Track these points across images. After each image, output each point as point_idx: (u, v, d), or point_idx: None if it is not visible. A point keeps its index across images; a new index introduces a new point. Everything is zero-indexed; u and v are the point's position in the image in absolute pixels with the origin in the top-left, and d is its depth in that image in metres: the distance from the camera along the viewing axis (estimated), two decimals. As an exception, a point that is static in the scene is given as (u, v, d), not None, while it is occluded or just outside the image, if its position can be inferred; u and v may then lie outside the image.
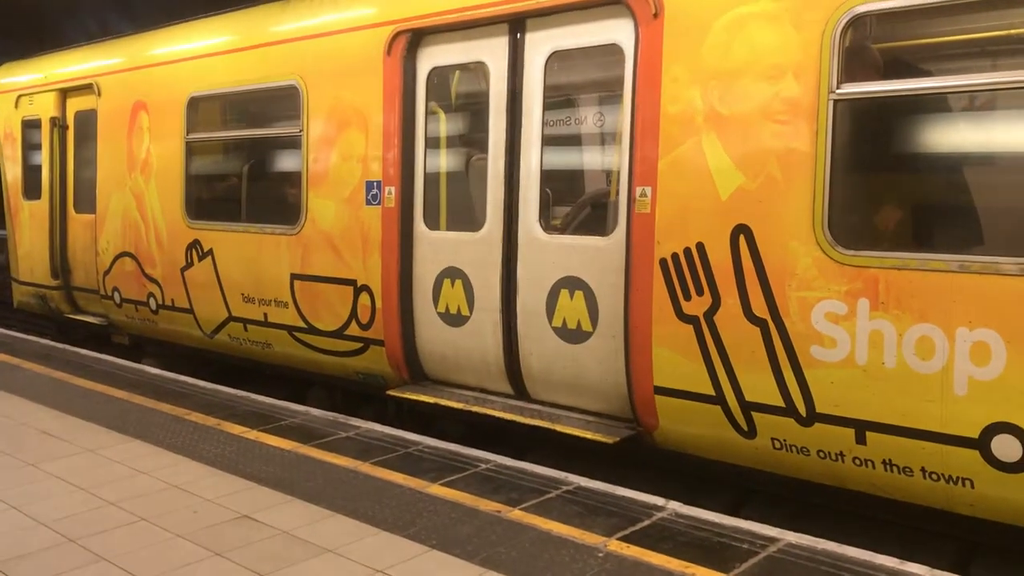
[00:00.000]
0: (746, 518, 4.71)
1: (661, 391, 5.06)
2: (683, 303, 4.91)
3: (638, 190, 5.07)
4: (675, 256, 4.93)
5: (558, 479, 5.14)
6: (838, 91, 4.38)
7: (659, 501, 4.78)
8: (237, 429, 6.16)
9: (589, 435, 5.28)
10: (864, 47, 4.63)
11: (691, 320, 4.89)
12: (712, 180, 4.79)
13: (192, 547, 4.22)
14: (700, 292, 4.85)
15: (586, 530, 4.39)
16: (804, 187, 4.46)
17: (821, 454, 4.54)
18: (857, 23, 4.40)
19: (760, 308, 4.63)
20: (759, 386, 4.67)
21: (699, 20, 4.85)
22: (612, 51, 5.41)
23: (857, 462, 4.42)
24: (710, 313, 4.82)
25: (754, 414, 4.72)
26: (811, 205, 4.43)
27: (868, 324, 4.27)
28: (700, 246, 4.84)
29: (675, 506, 4.72)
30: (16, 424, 6.29)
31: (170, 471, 5.30)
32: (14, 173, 11.12)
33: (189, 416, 6.50)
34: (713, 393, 4.84)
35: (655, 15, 5.00)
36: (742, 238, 4.69)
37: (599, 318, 5.44)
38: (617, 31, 5.34)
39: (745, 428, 4.78)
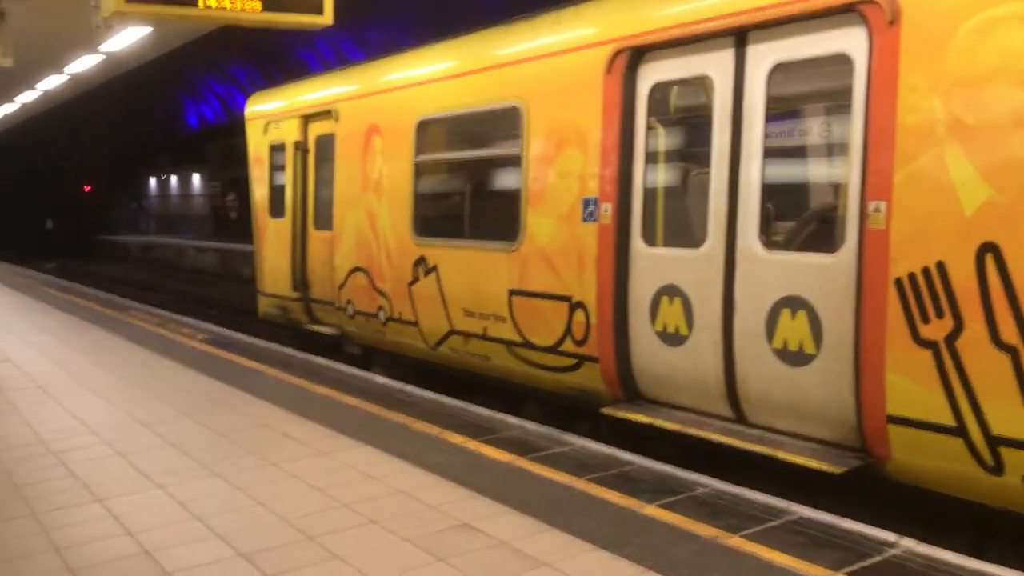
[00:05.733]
0: (992, 562, 4.32)
1: (894, 420, 4.75)
2: (921, 326, 4.59)
3: (871, 205, 4.81)
4: (912, 276, 4.62)
5: (780, 508, 4.94)
6: (1106, 95, 3.97)
7: (891, 537, 4.48)
8: (458, 439, 6.38)
9: (814, 464, 5.04)
10: None
11: (930, 345, 4.56)
12: (955, 194, 4.46)
13: (418, 552, 4.41)
14: (940, 315, 4.52)
15: (811, 562, 4.19)
16: (1064, 202, 4.06)
17: (1083, 497, 4.10)
18: None
19: (1010, 334, 4.25)
20: (1008, 419, 4.28)
21: (942, 25, 4.54)
22: (840, 60, 5.18)
23: None
24: (951, 338, 4.48)
25: (1001, 449, 4.34)
26: (1072, 221, 4.03)
27: None
28: (940, 265, 4.52)
29: (909, 543, 4.41)
30: (260, 426, 6.83)
31: (397, 477, 5.56)
32: (261, 193, 12.14)
33: (414, 424, 6.81)
34: (954, 424, 4.49)
35: (891, 22, 4.74)
36: (989, 257, 4.33)
37: (823, 340, 5.20)
38: (846, 40, 5.11)
39: (991, 464, 4.39)
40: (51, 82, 15.84)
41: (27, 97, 18.10)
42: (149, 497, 5.27)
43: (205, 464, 5.86)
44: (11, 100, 18.95)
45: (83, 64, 13.76)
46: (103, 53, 12.75)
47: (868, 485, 5.16)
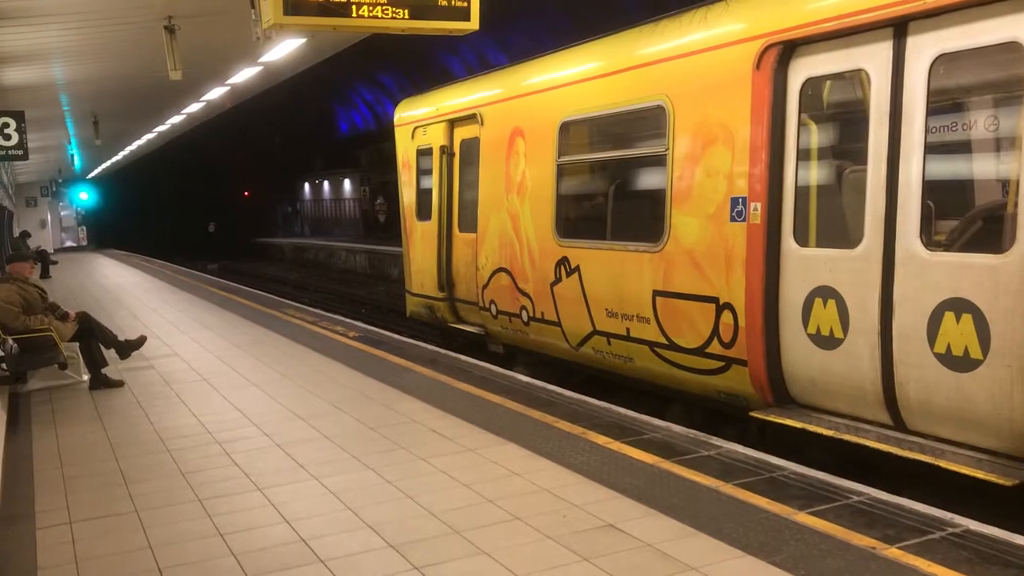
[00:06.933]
0: None
1: (1073, 431, 4.43)
2: (1103, 331, 4.27)
3: (1047, 202, 4.51)
4: (1093, 277, 4.30)
5: (942, 519, 4.69)
6: None
7: (1070, 557, 4.19)
8: (601, 439, 6.36)
9: (981, 475, 4.76)
10: None
11: (1114, 351, 4.23)
12: None
13: (562, 550, 4.43)
14: None
15: (977, 580, 3.97)
16: None
17: None
18: None
19: None
20: None
21: None
22: (1011, 49, 4.87)
23: None
24: None
25: None
26: None
27: None
28: None
29: (1090, 564, 4.11)
30: (410, 421, 7.02)
31: (541, 475, 5.60)
32: (409, 197, 12.48)
33: (557, 423, 6.84)
34: None
35: (1071, 4, 4.43)
36: None
37: (991, 345, 4.90)
38: (1019, 27, 4.80)
39: None
40: (214, 93, 16.76)
41: (192, 107, 19.23)
42: (305, 487, 5.52)
43: (357, 457, 6.08)
44: (179, 112, 20.18)
45: (244, 75, 14.47)
46: (261, 64, 13.37)
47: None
